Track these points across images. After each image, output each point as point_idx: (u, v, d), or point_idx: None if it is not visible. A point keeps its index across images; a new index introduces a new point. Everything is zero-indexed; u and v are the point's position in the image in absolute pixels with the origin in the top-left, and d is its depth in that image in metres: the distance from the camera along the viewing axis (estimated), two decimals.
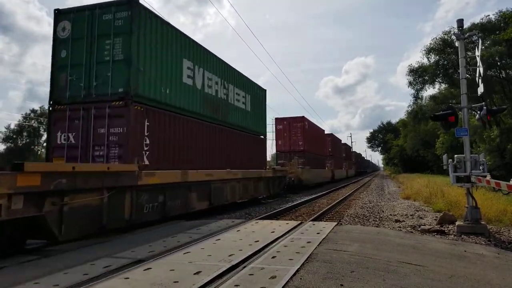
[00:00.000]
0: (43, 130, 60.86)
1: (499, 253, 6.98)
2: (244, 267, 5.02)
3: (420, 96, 42.65)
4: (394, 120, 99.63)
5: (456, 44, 11.80)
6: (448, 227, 9.57)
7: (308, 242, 6.65)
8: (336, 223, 9.51)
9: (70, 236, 6.72)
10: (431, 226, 9.75)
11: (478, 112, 9.84)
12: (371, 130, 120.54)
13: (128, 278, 4.54)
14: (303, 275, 4.61)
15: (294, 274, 4.63)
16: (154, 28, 9.97)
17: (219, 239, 7.04)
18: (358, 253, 5.92)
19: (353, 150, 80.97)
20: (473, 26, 31.83)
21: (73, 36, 9.53)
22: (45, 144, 33.03)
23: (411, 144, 58.15)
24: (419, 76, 39.50)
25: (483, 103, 9.56)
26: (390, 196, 21.60)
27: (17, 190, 5.62)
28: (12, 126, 62.68)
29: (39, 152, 62.85)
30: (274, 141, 30.08)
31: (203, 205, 11.88)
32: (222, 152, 13.60)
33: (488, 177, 8.94)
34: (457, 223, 9.27)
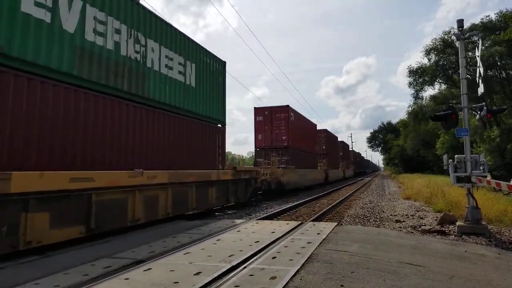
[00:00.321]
0: None
1: (500, 253, 6.97)
2: (245, 267, 5.01)
3: (420, 97, 42.81)
4: (394, 121, 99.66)
5: (456, 44, 11.81)
6: (448, 228, 9.56)
7: (309, 242, 6.64)
8: (336, 223, 9.50)
9: None
10: (431, 227, 9.74)
11: (479, 112, 9.84)
12: (372, 130, 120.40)
13: (128, 278, 4.54)
14: (304, 276, 4.61)
15: (295, 275, 4.62)
16: None
17: (219, 240, 7.04)
18: (358, 254, 5.91)
19: (353, 149, 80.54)
20: (474, 26, 31.86)
21: None
22: None
23: (411, 144, 58.23)
24: (419, 76, 39.58)
25: (483, 103, 9.56)
26: (391, 196, 21.58)
27: None
28: None
29: None
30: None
31: (67, 233, 6.82)
32: (133, 143, 9.00)
33: (489, 177, 8.94)
34: (457, 223, 9.26)
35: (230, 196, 13.94)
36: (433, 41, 36.61)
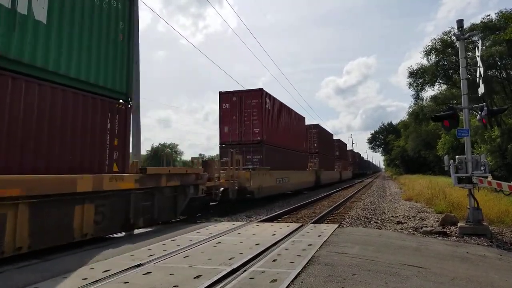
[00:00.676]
0: None
1: (501, 254, 6.94)
2: (245, 270, 4.98)
3: (420, 97, 42.83)
4: (395, 121, 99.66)
5: (457, 44, 11.79)
6: (450, 229, 9.52)
7: (309, 244, 6.61)
8: (337, 225, 9.47)
9: None
10: (433, 228, 9.70)
11: (479, 112, 9.81)
12: (372, 131, 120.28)
13: (127, 282, 4.51)
14: (305, 278, 4.58)
15: (295, 278, 4.59)
16: None
17: (220, 242, 7.00)
18: (359, 256, 5.88)
19: (353, 149, 79.78)
20: (474, 26, 31.88)
21: None
22: None
23: (412, 145, 58.27)
24: (419, 77, 39.61)
25: (484, 103, 9.54)
26: (392, 197, 21.54)
27: None
28: None
29: None
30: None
31: None
32: None
33: (490, 178, 8.90)
34: (459, 224, 9.22)
35: (133, 216, 8.34)
36: (433, 42, 36.67)
